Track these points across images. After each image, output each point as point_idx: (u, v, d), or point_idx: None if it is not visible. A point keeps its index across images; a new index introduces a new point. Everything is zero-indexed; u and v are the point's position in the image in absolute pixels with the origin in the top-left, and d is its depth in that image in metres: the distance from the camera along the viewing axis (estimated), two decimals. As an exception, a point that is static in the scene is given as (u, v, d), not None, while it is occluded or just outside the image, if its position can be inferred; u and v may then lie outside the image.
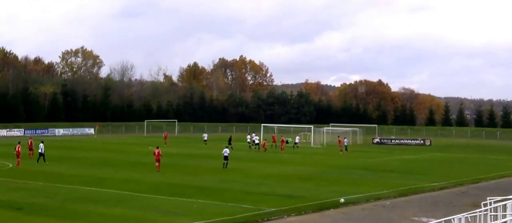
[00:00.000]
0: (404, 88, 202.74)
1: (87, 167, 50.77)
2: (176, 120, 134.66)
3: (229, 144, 74.68)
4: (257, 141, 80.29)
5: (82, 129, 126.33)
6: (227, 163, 51.44)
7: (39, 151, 54.96)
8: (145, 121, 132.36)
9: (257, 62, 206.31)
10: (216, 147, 74.45)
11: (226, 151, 52.56)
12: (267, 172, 48.87)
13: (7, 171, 46.91)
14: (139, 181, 41.54)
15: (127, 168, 51.12)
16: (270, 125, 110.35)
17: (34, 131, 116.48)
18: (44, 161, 53.95)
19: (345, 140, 79.52)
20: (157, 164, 48.55)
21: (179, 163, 56.40)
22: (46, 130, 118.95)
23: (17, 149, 52.02)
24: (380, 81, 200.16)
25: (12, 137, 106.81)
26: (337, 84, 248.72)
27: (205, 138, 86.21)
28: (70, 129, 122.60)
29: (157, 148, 50.72)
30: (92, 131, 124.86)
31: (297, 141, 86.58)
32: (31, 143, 60.17)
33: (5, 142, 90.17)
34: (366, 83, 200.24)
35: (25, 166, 50.28)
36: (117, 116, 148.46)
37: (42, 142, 57.24)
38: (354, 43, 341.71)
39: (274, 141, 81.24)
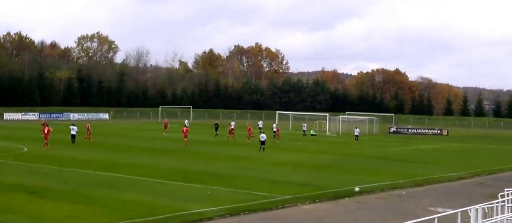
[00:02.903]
0: (422, 78, 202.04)
1: (101, 152, 50.91)
2: (190, 107, 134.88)
3: (216, 131, 75.16)
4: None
5: (97, 114, 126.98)
6: (264, 148, 54.68)
7: (73, 133, 56.69)
8: (160, 107, 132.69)
9: (273, 49, 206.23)
10: (226, 134, 74.55)
11: (263, 136, 55.74)
12: (282, 160, 48.80)
13: (22, 155, 47.16)
14: (153, 166, 41.61)
15: (141, 153, 51.22)
16: (285, 113, 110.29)
17: (49, 115, 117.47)
18: (73, 143, 56.06)
19: (357, 130, 77.76)
20: (185, 139, 59.30)
21: (193, 149, 56.41)
22: (61, 114, 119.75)
23: (45, 131, 54.02)
24: (397, 70, 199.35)
25: (27, 120, 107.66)
26: (354, 72, 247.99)
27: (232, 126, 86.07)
28: (85, 114, 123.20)
29: (185, 126, 62.51)
30: (106, 116, 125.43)
31: (304, 128, 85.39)
32: (89, 126, 63.29)
33: (21, 126, 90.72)
34: (383, 72, 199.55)
35: (41, 150, 50.58)
36: (131, 102, 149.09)
37: (74, 125, 59.04)
38: (374, 32, 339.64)
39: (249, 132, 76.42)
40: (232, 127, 75.16)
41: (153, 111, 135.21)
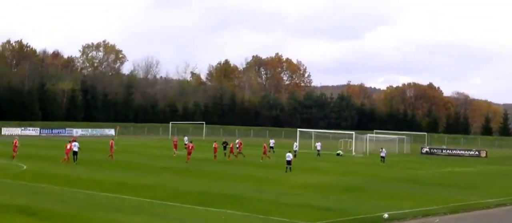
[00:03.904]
0: (457, 93, 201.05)
1: (106, 171, 51.05)
2: (204, 122, 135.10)
3: (225, 150, 74.89)
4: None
5: (102, 129, 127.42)
6: (290, 168, 55.90)
7: (75, 149, 57.11)
8: (170, 122, 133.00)
9: (294, 61, 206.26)
10: (247, 153, 74.50)
11: (289, 156, 56.70)
12: (304, 182, 48.67)
13: (21, 173, 47.35)
14: (162, 187, 41.63)
15: (149, 172, 51.30)
16: (307, 130, 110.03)
17: (50, 130, 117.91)
18: (75, 160, 56.37)
19: (383, 150, 76.75)
20: (188, 156, 61.33)
21: (206, 169, 56.43)
22: (63, 130, 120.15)
23: (68, 147, 56.36)
24: (431, 85, 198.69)
25: (27, 136, 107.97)
26: (383, 87, 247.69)
27: (272, 144, 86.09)
28: (89, 130, 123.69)
29: (191, 142, 64.05)
30: (112, 132, 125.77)
31: (318, 147, 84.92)
32: (112, 144, 63.91)
33: (20, 142, 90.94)
34: (415, 86, 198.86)
35: (42, 168, 50.79)
36: (139, 116, 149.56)
37: (75, 141, 59.49)
38: (406, 42, 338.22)
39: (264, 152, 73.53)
40: (271, 145, 76.43)
41: (163, 127, 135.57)
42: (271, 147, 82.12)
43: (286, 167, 56.24)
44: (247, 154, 73.97)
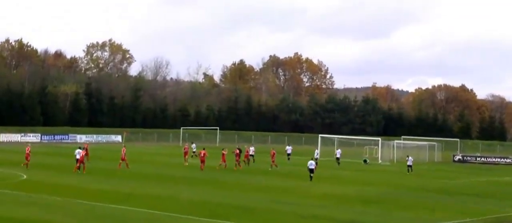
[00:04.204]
0: (492, 96, 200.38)
1: (112, 181, 51.20)
2: (217, 128, 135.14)
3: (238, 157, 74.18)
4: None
5: (108, 135, 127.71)
6: (312, 177, 56.14)
7: (77, 157, 57.46)
8: (181, 128, 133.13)
9: (315, 61, 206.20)
10: (262, 161, 74.55)
11: (311, 163, 57.02)
12: (325, 192, 48.64)
13: (20, 183, 47.54)
14: (172, 198, 41.72)
15: (159, 182, 51.40)
16: (329, 136, 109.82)
17: (52, 136, 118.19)
18: (79, 169, 56.66)
19: (410, 159, 76.36)
20: (202, 164, 62.79)
21: (219, 178, 56.50)
22: (66, 136, 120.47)
23: (82, 154, 57.24)
24: (463, 87, 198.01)
25: (28, 143, 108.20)
26: (412, 89, 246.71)
27: (251, 152, 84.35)
28: (94, 136, 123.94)
29: (204, 149, 64.57)
30: (119, 138, 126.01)
31: (338, 154, 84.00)
32: (124, 151, 63.86)
33: (19, 149, 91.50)
34: (446, 88, 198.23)
35: (43, 177, 51.00)
36: (148, 122, 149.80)
37: (80, 148, 59.80)
38: (437, 41, 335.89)
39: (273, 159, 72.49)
40: (251, 152, 75.72)
41: (173, 133, 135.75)
42: (251, 155, 79.46)
43: (310, 176, 56.45)
44: (265, 161, 73.93)
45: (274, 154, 72.16)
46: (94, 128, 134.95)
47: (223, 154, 67.43)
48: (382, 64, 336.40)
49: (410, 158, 75.73)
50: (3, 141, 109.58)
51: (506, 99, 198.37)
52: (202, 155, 64.73)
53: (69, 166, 59.11)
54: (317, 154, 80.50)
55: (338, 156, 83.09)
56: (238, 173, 62.86)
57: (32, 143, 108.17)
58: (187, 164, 70.01)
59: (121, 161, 63.28)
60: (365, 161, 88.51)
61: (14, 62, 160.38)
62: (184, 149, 74.12)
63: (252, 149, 78.22)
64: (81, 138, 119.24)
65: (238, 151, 69.45)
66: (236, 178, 57.86)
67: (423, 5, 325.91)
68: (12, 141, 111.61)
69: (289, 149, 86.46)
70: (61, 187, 45.23)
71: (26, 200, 38.65)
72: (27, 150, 60.30)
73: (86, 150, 62.95)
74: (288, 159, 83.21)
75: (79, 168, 56.59)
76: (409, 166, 74.27)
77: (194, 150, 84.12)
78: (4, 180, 48.77)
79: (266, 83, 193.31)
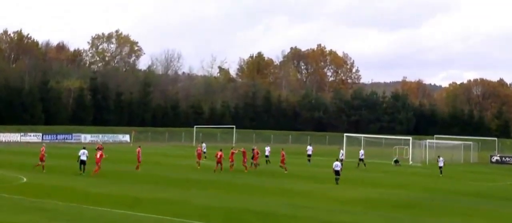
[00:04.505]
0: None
1: (120, 184, 51.35)
2: (233, 126, 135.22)
3: (253, 159, 73.68)
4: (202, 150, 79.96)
5: (115, 135, 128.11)
6: (338, 179, 56.48)
7: (83, 158, 57.88)
8: (194, 126, 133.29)
9: (339, 53, 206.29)
10: (277, 162, 74.52)
11: (337, 165, 57.13)
12: (349, 196, 48.58)
13: (21, 187, 47.69)
14: (184, 202, 41.77)
15: (170, 185, 51.51)
16: (356, 135, 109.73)
17: (54, 136, 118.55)
18: (83, 171, 57.22)
19: (441, 160, 75.96)
20: (217, 165, 63.96)
21: (234, 181, 56.55)
22: (70, 136, 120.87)
23: (98, 155, 58.50)
24: (501, 81, 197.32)
25: (28, 143, 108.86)
26: (445, 84, 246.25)
27: (267, 152, 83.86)
28: (100, 135, 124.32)
29: (220, 150, 65.65)
30: (127, 138, 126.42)
31: (361, 156, 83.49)
32: (139, 152, 65.13)
33: (19, 150, 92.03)
34: (483, 83, 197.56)
35: (44, 180, 51.19)
36: (158, 120, 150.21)
37: (84, 148, 59.84)
38: (473, 31, 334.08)
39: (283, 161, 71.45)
40: (266, 153, 75.86)
41: (186, 132, 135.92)
42: (266, 156, 79.72)
43: (335, 178, 56.65)
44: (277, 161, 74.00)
45: (283, 155, 71.07)
46: (100, 126, 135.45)
47: (232, 153, 67.92)
48: (413, 57, 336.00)
49: (441, 158, 75.35)
50: (2, 141, 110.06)
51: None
52: (218, 156, 65.03)
53: (73, 168, 59.38)
54: (342, 154, 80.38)
55: (361, 156, 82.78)
56: (255, 176, 62.89)
57: (33, 142, 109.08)
58: (199, 166, 69.48)
59: (138, 163, 63.95)
60: (396, 161, 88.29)
61: (13, 56, 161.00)
62: (197, 150, 73.35)
63: (267, 149, 78.13)
64: (86, 138, 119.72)
65: (244, 151, 69.63)
66: (253, 181, 57.89)
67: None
68: (11, 141, 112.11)
69: (309, 149, 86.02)
70: (64, 190, 45.38)
71: (27, 205, 38.78)
72: (42, 151, 60.48)
73: (101, 150, 63.60)
74: (309, 160, 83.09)
75: (98, 168, 57.40)
76: (440, 167, 73.95)
77: (204, 150, 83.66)
78: (2, 183, 49.01)
79: (287, 78, 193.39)
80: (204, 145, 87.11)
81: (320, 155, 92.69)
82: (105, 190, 46.99)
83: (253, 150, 72.38)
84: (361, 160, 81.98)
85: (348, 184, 57.85)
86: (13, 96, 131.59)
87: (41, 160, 59.70)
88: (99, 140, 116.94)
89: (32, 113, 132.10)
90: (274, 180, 59.11)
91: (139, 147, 67.33)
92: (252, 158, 71.25)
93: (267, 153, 76.87)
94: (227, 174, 62.28)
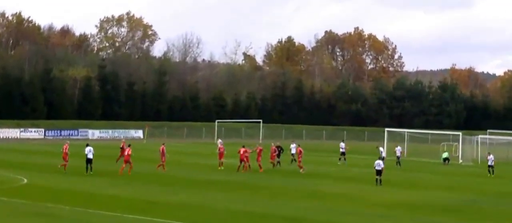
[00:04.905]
0: None
1: (132, 185, 51.55)
2: (260, 121, 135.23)
3: (278, 157, 73.30)
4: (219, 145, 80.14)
5: (126, 130, 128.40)
6: (380, 180, 56.61)
7: (89, 156, 58.54)
8: (216, 121, 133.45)
9: (380, 37, 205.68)
10: (314, 160, 74.52)
11: (379, 164, 56.94)
12: (390, 199, 48.51)
13: (21, 189, 47.98)
14: (204, 207, 41.83)
15: (188, 187, 51.66)
16: (399, 130, 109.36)
17: (58, 132, 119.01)
18: (91, 170, 57.99)
19: (491, 157, 75.26)
20: (243, 164, 64.84)
21: (261, 182, 56.62)
22: (75, 131, 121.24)
23: (126, 153, 59.98)
24: None
25: (28, 139, 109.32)
26: (500, 72, 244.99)
27: (293, 150, 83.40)
28: (109, 131, 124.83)
29: (243, 147, 66.05)
30: (140, 133, 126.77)
31: (398, 153, 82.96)
32: (163, 150, 65.79)
33: (19, 147, 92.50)
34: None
35: (47, 182, 51.49)
36: (175, 113, 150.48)
37: (88, 145, 60.43)
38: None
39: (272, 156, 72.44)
40: (292, 151, 75.51)
41: (206, 127, 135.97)
42: (292, 154, 79.16)
43: (376, 179, 56.65)
44: (312, 161, 73.97)
45: (300, 151, 70.21)
46: (109, 121, 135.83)
47: (273, 150, 68.32)
48: (463, 41, 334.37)
49: (491, 156, 74.76)
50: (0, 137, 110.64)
51: None
52: (242, 153, 65.42)
53: (79, 167, 59.62)
54: (382, 151, 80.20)
55: (398, 154, 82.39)
56: (282, 176, 62.93)
57: (34, 139, 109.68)
58: (222, 167, 69.33)
59: (161, 162, 64.36)
60: (445, 159, 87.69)
61: (11, 41, 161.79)
62: (219, 148, 72.86)
63: (293, 146, 77.60)
64: (94, 134, 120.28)
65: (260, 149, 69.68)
66: (280, 182, 57.95)
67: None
68: (10, 137, 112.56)
69: (342, 145, 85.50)
70: (69, 193, 45.61)
71: (28, 209, 38.97)
72: (65, 149, 60.88)
73: (123, 148, 66.05)
74: (343, 159, 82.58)
75: (131, 166, 59.15)
76: (490, 166, 73.49)
77: (220, 146, 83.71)
78: (0, 184, 49.32)
79: (320, 66, 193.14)
80: (220, 141, 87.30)
81: (358, 152, 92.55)
82: (115, 192, 47.20)
83: (277, 147, 72.50)
84: (398, 158, 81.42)
85: (390, 185, 57.76)
86: (11, 87, 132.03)
87: (65, 159, 60.29)
88: (108, 136, 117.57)
89: (32, 105, 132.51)
90: (304, 181, 59.07)
91: (163, 144, 67.48)
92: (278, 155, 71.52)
93: (293, 151, 76.40)
94: (251, 174, 62.32)
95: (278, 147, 73.79)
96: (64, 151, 60.68)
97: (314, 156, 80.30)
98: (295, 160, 75.16)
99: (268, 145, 77.92)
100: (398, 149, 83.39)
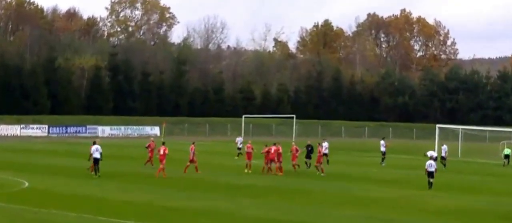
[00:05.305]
0: None
1: (146, 190, 51.68)
2: (293, 116, 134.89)
3: (307, 158, 73.20)
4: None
5: (141, 127, 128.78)
6: (431, 183, 56.29)
7: (96, 156, 58.29)
8: (243, 116, 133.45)
9: (430, 21, 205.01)
10: (354, 161, 74.46)
11: (431, 165, 56.64)
12: (442, 204, 48.41)
13: (22, 193, 48.15)
14: (229, 214, 41.89)
15: (211, 191, 51.71)
16: (452, 127, 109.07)
17: (63, 128, 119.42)
18: (98, 172, 57.80)
19: None
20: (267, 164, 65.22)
21: (292, 186, 56.64)
22: (83, 128, 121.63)
23: (161, 152, 61.38)
24: None
25: (30, 137, 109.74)
26: None
27: (325, 150, 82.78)
28: (122, 128, 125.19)
29: (274, 144, 65.57)
30: (156, 130, 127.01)
31: (444, 153, 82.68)
32: (193, 150, 65.69)
33: (19, 145, 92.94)
34: None
35: (51, 185, 51.73)
36: (197, 107, 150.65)
37: (94, 143, 59.85)
38: None
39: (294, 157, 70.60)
40: (324, 151, 74.95)
41: (232, 123, 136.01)
42: (324, 154, 78.93)
43: (428, 182, 56.41)
44: (357, 163, 73.94)
45: (296, 150, 70.11)
46: (122, 116, 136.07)
47: (295, 150, 68.08)
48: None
49: None
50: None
51: None
52: (272, 152, 65.19)
53: (84, 169, 59.83)
54: (432, 155, 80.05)
55: (443, 154, 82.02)
56: (315, 179, 62.86)
57: (36, 137, 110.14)
58: (249, 170, 69.24)
59: (189, 163, 64.22)
60: (507, 156, 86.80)
61: (10, 26, 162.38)
62: (247, 147, 71.80)
63: (325, 145, 77.17)
64: (104, 131, 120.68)
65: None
66: (315, 185, 57.89)
67: None
68: (9, 135, 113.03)
69: (383, 143, 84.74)
70: (74, 198, 45.74)
71: (29, 216, 39.09)
72: (92, 149, 60.95)
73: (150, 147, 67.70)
74: (382, 159, 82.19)
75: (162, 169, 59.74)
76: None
77: (240, 146, 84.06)
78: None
79: (362, 53, 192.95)
80: (240, 139, 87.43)
81: (404, 152, 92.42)
82: (127, 197, 47.27)
83: (307, 146, 72.33)
84: (443, 158, 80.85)
85: (443, 189, 57.65)
86: (11, 78, 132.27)
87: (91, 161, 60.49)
88: (120, 133, 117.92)
89: (34, 99, 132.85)
90: (341, 184, 59.07)
91: (193, 143, 67.32)
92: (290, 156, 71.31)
93: (325, 150, 75.80)
94: (283, 178, 62.29)
95: (308, 145, 73.80)
96: (90, 151, 60.16)
97: (354, 156, 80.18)
98: (328, 160, 75.13)
99: (303, 143, 77.56)
100: (444, 148, 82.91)
